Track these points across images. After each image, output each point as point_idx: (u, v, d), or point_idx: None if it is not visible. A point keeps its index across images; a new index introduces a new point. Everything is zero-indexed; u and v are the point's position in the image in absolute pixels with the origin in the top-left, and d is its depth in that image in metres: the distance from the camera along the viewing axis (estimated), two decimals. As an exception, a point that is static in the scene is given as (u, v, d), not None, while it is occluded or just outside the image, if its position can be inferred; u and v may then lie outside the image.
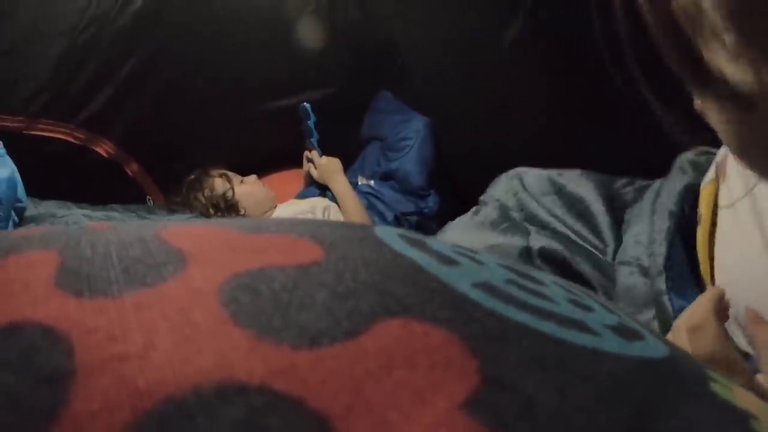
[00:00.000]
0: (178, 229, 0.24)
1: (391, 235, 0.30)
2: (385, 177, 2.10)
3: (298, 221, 0.29)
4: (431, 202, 2.05)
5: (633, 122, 1.55)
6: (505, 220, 1.25)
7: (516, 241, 1.15)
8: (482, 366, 0.21)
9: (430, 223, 2.00)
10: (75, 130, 1.98)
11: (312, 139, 2.09)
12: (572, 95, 1.64)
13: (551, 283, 0.33)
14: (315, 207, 1.97)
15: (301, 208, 1.96)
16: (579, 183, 1.22)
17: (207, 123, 2.12)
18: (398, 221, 1.98)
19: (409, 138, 2.07)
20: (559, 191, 1.24)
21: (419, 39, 2.04)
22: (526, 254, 1.11)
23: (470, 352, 0.21)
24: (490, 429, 0.19)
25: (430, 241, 0.32)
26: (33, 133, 1.91)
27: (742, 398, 0.28)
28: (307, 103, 2.11)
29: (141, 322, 0.18)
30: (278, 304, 0.20)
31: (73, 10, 1.84)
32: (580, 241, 1.12)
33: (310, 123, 2.10)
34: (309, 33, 2.17)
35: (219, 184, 1.98)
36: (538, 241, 1.13)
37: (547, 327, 0.25)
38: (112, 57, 1.93)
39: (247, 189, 2.02)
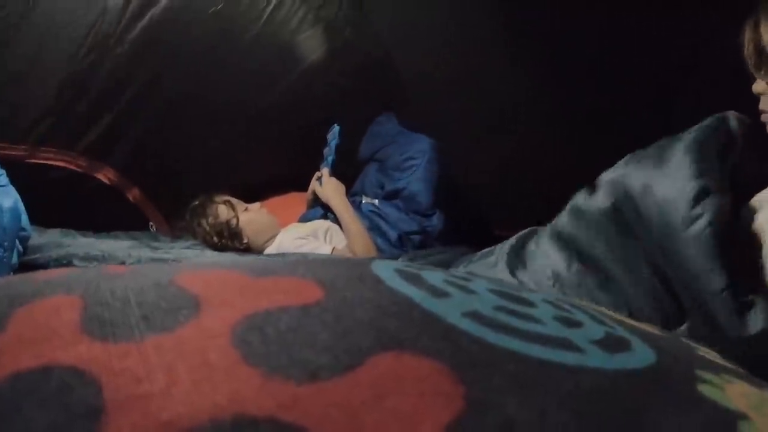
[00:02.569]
0: (191, 274, 0.27)
1: (387, 271, 0.32)
2: (390, 196, 2.12)
3: (302, 262, 0.32)
4: (435, 221, 2.06)
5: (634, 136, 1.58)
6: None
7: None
8: (468, 391, 0.23)
9: (433, 242, 2.01)
10: (77, 157, 2.00)
11: (329, 158, 2.13)
12: (577, 112, 1.65)
13: (541, 302, 0.35)
14: (317, 230, 1.98)
15: (303, 231, 1.98)
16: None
17: (207, 148, 2.14)
18: (401, 240, 1.99)
19: (414, 158, 2.09)
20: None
21: (418, 59, 2.08)
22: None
23: (457, 379, 0.23)
24: None
25: (425, 273, 0.34)
26: (35, 161, 1.93)
27: (735, 396, 0.29)
28: (337, 125, 2.16)
29: (162, 364, 0.21)
30: (284, 343, 0.22)
31: (73, 39, 1.86)
32: None
33: (333, 144, 2.14)
34: (307, 55, 2.21)
35: (223, 212, 1.98)
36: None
37: (532, 349, 0.27)
38: (112, 84, 1.94)
39: (251, 216, 2.02)
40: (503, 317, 0.30)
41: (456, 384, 0.23)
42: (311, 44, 2.22)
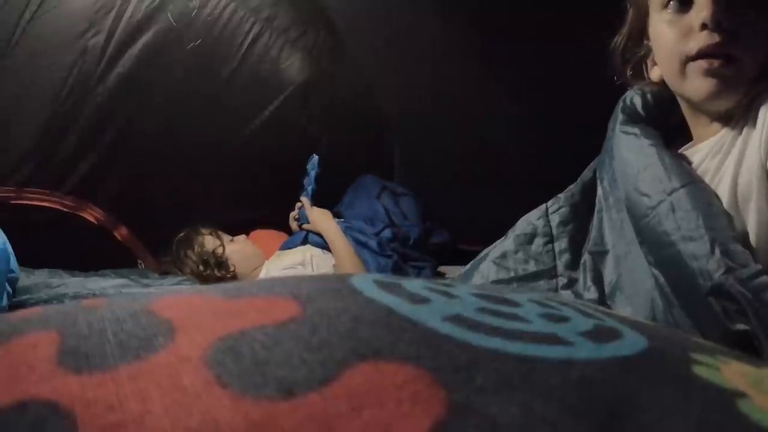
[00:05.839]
0: (167, 300, 0.27)
1: (366, 283, 0.32)
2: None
3: (278, 281, 0.32)
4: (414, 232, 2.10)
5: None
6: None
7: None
8: (449, 395, 0.23)
9: (411, 251, 2.04)
10: (62, 197, 1.99)
11: (309, 188, 2.14)
12: (559, 139, 1.65)
13: (527, 302, 0.35)
14: (303, 258, 1.98)
15: (285, 262, 1.98)
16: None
17: (192, 183, 2.14)
18: (381, 246, 1.99)
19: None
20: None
21: (400, 89, 2.10)
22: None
23: (437, 383, 0.23)
24: None
25: (405, 282, 0.34)
26: (21, 202, 1.92)
27: (732, 376, 0.29)
28: (316, 155, 2.18)
29: (135, 391, 0.21)
30: (258, 362, 0.22)
31: (54, 80, 1.87)
32: None
33: (313, 174, 2.16)
34: (287, 85, 2.22)
35: (209, 242, 2.01)
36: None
37: (516, 347, 0.27)
38: (95, 123, 1.94)
39: (237, 247, 2.05)
40: (486, 318, 0.30)
41: (436, 388, 0.23)
42: (291, 73, 2.23)
